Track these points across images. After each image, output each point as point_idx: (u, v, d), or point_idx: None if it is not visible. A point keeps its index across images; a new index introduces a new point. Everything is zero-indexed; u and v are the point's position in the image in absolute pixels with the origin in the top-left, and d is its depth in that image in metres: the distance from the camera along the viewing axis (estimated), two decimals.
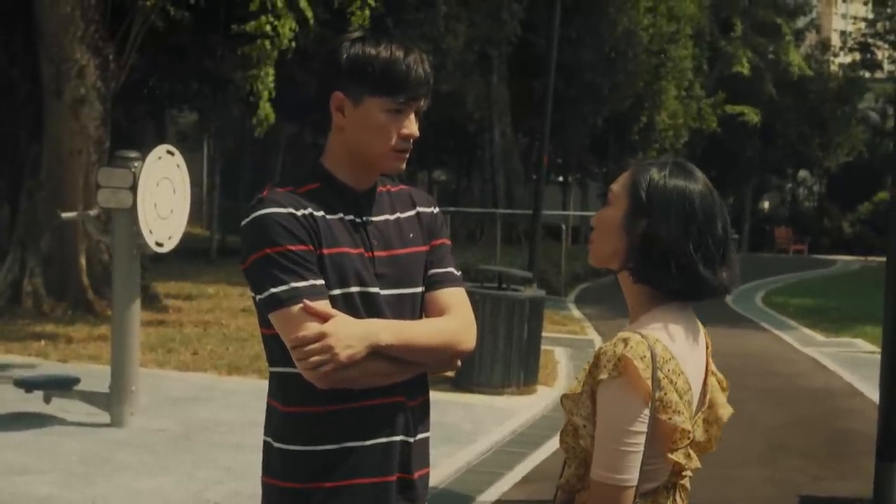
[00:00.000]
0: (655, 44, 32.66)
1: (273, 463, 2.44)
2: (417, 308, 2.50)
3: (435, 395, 2.64)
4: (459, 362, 2.53)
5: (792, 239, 44.50)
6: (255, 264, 2.36)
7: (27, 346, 11.30)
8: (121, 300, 8.12)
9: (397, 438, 2.42)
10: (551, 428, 8.47)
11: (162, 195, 8.11)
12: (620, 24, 30.88)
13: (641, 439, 2.09)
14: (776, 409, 10.22)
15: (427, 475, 2.54)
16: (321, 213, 2.40)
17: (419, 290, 2.51)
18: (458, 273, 2.60)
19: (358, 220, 2.46)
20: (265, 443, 2.48)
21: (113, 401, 7.99)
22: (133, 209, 7.90)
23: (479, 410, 9.19)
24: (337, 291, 2.37)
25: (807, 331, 16.47)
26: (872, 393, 10.03)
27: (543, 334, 10.74)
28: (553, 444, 7.78)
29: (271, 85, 13.75)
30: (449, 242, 2.62)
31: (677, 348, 2.17)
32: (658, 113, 34.57)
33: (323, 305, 2.32)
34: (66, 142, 13.89)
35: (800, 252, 42.99)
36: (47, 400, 8.07)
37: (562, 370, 11.54)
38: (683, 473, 2.21)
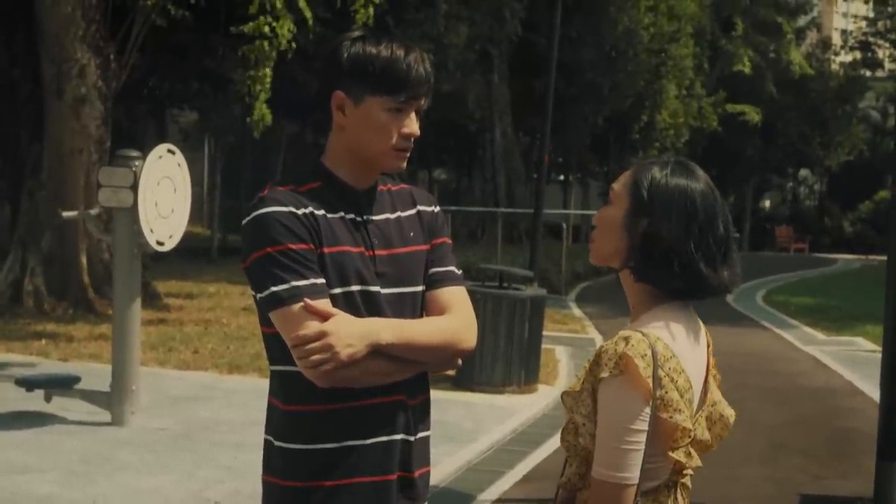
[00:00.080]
0: (656, 43, 32.65)
1: (274, 461, 2.44)
2: (418, 307, 2.50)
3: (436, 394, 2.65)
4: (460, 361, 2.53)
5: (793, 238, 44.51)
6: (256, 263, 2.36)
7: (28, 345, 11.31)
8: (121, 299, 8.12)
9: (398, 437, 2.42)
10: (552, 426, 8.47)
11: (163, 194, 8.11)
12: (621, 23, 30.87)
13: (642, 437, 2.09)
14: (777, 407, 10.22)
15: (428, 474, 2.54)
16: (322, 212, 2.40)
17: (420, 288, 2.51)
18: (459, 272, 2.60)
19: (359, 218, 2.46)
20: (266, 441, 2.48)
21: (114, 400, 7.99)
22: (134, 208, 7.91)
23: (479, 409, 9.19)
24: (338, 290, 2.37)
25: (807, 329, 16.47)
26: (873, 392, 10.03)
27: (544, 333, 10.74)
28: (554, 442, 7.78)
29: (268, 86, 13.76)
30: (450, 241, 2.62)
31: (678, 347, 2.17)
32: (659, 112, 34.57)
33: (323, 304, 2.32)
34: (67, 141, 13.90)
35: (801, 251, 43.01)
36: (48, 399, 8.07)
37: (563, 369, 11.54)
38: (684, 472, 2.22)
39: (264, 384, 2.57)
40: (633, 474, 2.09)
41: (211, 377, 10.17)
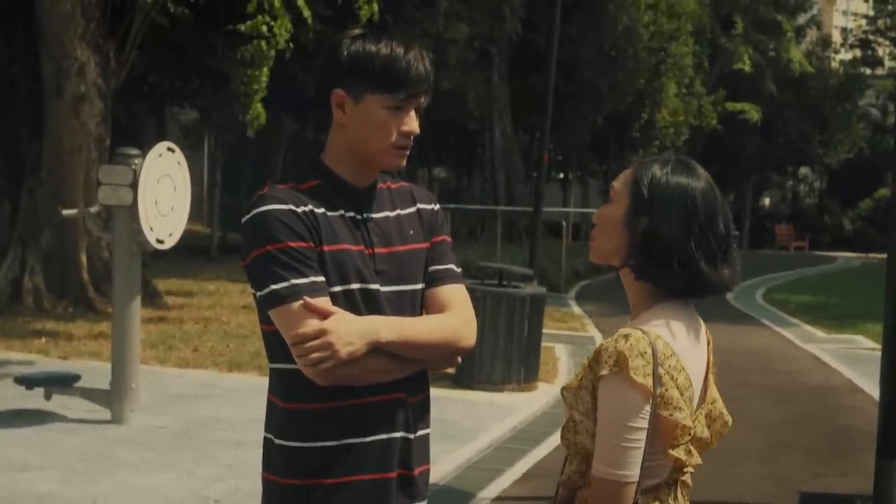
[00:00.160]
0: (656, 41, 32.65)
1: (274, 459, 2.44)
2: (418, 305, 2.50)
3: (435, 392, 2.65)
4: (460, 359, 2.53)
5: (793, 236, 44.52)
6: (256, 261, 2.36)
7: (28, 343, 11.30)
8: (121, 297, 8.12)
9: (398, 435, 2.42)
10: (552, 424, 8.47)
11: (162, 192, 8.11)
12: (621, 22, 30.87)
13: (642, 435, 2.09)
14: (777, 405, 10.23)
15: (427, 472, 2.54)
16: (322, 210, 2.40)
17: (419, 286, 2.51)
18: (459, 270, 2.60)
19: (358, 216, 2.46)
20: (266, 439, 2.48)
21: (113, 398, 7.99)
22: (134, 206, 7.91)
23: (479, 407, 9.19)
24: (337, 288, 2.37)
25: (807, 327, 16.47)
26: (873, 390, 10.03)
27: (544, 331, 10.75)
28: (553, 440, 7.78)
29: (265, 85, 13.76)
30: (449, 239, 2.62)
31: (678, 345, 2.17)
32: (658, 110, 34.57)
33: (323, 302, 2.32)
34: (66, 139, 13.90)
35: (800, 249, 43.01)
36: (48, 397, 8.08)
37: (562, 367, 11.54)
38: (685, 470, 2.22)
39: (264, 382, 2.57)
40: (634, 472, 2.09)
41: (211, 375, 10.17)
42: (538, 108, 19.39)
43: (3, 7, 14.38)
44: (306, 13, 13.90)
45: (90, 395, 8.10)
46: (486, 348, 9.79)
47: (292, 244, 2.33)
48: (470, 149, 37.29)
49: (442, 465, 6.99)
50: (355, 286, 2.39)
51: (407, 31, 19.23)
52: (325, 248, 2.37)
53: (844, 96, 45.31)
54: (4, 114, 14.92)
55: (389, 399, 2.41)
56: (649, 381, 2.08)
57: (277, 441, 2.43)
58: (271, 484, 2.45)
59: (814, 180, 52.50)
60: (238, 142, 28.37)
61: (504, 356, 9.94)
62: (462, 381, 9.83)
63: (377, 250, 2.45)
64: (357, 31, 2.47)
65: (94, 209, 8.80)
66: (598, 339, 13.55)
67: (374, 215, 2.48)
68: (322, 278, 2.35)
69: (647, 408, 2.09)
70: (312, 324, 2.28)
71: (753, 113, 40.47)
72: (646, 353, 2.09)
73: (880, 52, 48.98)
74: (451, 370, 9.00)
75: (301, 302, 2.30)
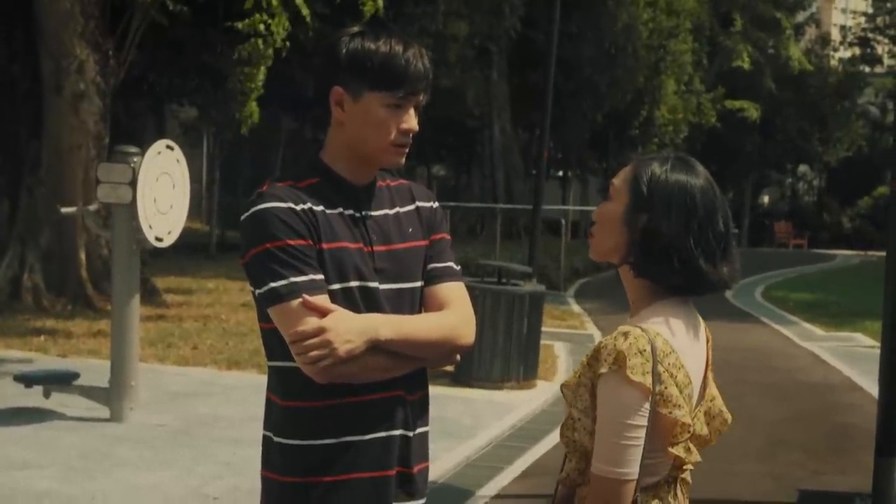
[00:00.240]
0: (655, 38, 32.63)
1: (273, 457, 2.44)
2: (417, 303, 2.50)
3: (434, 390, 2.65)
4: (459, 357, 2.53)
5: (791, 233, 44.52)
6: (255, 259, 2.36)
7: (27, 341, 11.30)
8: (120, 295, 8.12)
9: (396, 433, 2.42)
10: (551, 422, 8.47)
11: (161, 190, 8.11)
12: (620, 19, 30.85)
13: (641, 433, 2.09)
14: (776, 403, 10.23)
15: (426, 469, 2.54)
16: (321, 208, 2.40)
17: (418, 284, 2.51)
18: (458, 268, 2.60)
19: (357, 214, 2.45)
20: (265, 437, 2.48)
21: (112, 396, 7.99)
22: (132, 204, 7.90)
23: (478, 405, 9.20)
24: (336, 286, 2.37)
25: (806, 325, 16.48)
26: (872, 387, 10.03)
27: (543, 329, 10.74)
28: (553, 438, 7.78)
29: (261, 83, 13.75)
30: (448, 237, 2.62)
31: (678, 342, 2.17)
32: (658, 108, 34.56)
33: (322, 300, 2.32)
34: (65, 137, 13.89)
35: (799, 247, 43.01)
36: (47, 395, 8.07)
37: (561, 365, 11.54)
38: (684, 467, 2.22)
39: (263, 380, 2.57)
40: (633, 470, 2.09)
41: (210, 373, 10.17)
42: (537, 106, 19.37)
43: (2, 5, 14.37)
44: (305, 11, 13.89)
45: (89, 393, 8.10)
46: (486, 346, 9.79)
47: (291, 242, 2.33)
48: (469, 146, 37.28)
49: (441, 463, 6.98)
50: (354, 284, 2.39)
51: (406, 29, 19.22)
52: (324, 245, 2.37)
53: (843, 94, 45.32)
54: (4, 112, 14.91)
55: (388, 397, 2.41)
56: (648, 379, 2.08)
57: (276, 439, 2.43)
58: (270, 482, 2.45)
59: (813, 178, 52.50)
60: (237, 140, 28.36)
61: (503, 354, 9.94)
62: (461, 378, 9.83)
63: (376, 248, 2.44)
64: (356, 29, 2.47)
65: (93, 207, 8.80)
66: (598, 336, 13.55)
67: (374, 213, 2.48)
68: (321, 276, 2.35)
69: (647, 405, 2.09)
70: (311, 322, 2.28)
71: (752, 111, 40.46)
72: (645, 350, 2.09)
73: (879, 50, 48.96)
74: (450, 368, 9.01)
75: (300, 300, 2.30)
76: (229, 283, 17.52)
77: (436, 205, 2.61)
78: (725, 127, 39.74)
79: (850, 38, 50.17)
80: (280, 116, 25.59)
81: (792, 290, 22.51)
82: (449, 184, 42.29)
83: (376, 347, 2.33)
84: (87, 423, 7.87)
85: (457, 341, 2.46)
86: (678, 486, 2.23)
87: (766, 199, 53.58)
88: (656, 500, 2.19)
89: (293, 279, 2.31)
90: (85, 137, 13.92)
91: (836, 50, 50.81)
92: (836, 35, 53.82)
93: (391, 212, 2.51)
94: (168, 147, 8.27)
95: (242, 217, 2.39)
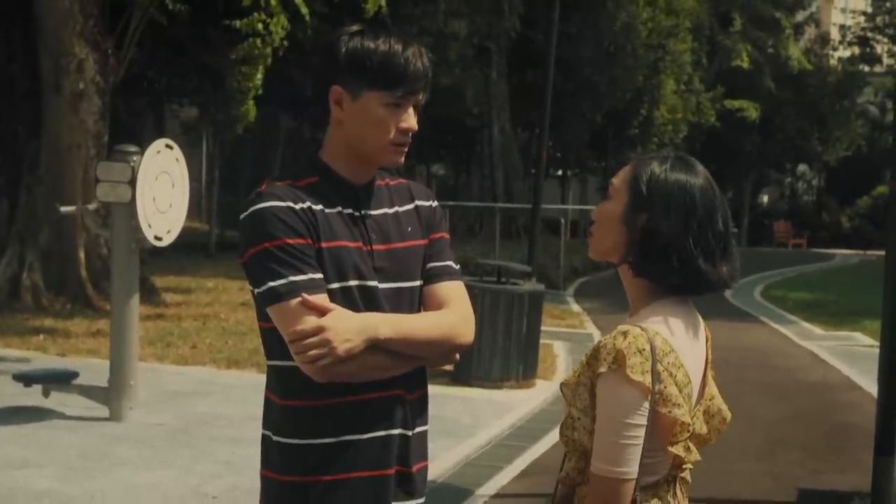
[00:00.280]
0: (654, 38, 32.61)
1: (272, 456, 2.44)
2: (416, 302, 2.50)
3: (434, 389, 2.64)
4: (458, 356, 2.53)
5: (791, 233, 44.51)
6: (254, 258, 2.36)
7: (26, 340, 11.30)
8: (119, 294, 8.12)
9: (395, 432, 2.42)
10: (550, 421, 8.47)
11: (161, 189, 8.10)
12: (619, 19, 30.84)
13: (641, 432, 2.09)
14: (775, 402, 10.23)
15: (425, 468, 2.54)
16: (320, 207, 2.40)
17: (417, 283, 2.51)
18: (457, 267, 2.60)
19: (356, 213, 2.45)
20: (264, 436, 2.48)
21: (112, 395, 7.99)
22: (132, 203, 7.90)
23: (477, 404, 9.19)
24: (335, 285, 2.37)
25: (805, 324, 16.48)
26: (871, 387, 10.04)
27: (542, 328, 10.74)
28: (552, 437, 7.78)
29: (259, 82, 13.74)
30: (447, 236, 2.62)
31: (677, 341, 2.17)
32: (657, 107, 34.54)
33: (321, 299, 2.32)
34: (64, 136, 13.89)
35: (798, 246, 43.01)
36: (46, 394, 8.07)
37: (561, 364, 11.54)
38: (684, 466, 2.22)
39: (262, 379, 2.57)
40: (632, 469, 2.09)
41: (209, 372, 10.17)
42: (537, 105, 19.38)
43: (1, 4, 14.36)
44: (304, 10, 13.88)
45: (88, 392, 8.10)
46: (485, 345, 9.79)
47: (290, 241, 2.33)
48: (468, 146, 37.28)
49: (440, 462, 6.99)
50: (353, 283, 2.39)
51: (406, 29, 19.23)
52: (323, 244, 2.37)
53: (843, 94, 45.30)
54: (3, 111, 14.91)
55: (387, 396, 2.41)
56: (648, 378, 2.08)
57: (275, 438, 2.43)
58: (269, 481, 2.45)
59: (812, 178, 52.48)
60: (236, 139, 28.37)
61: (502, 353, 9.94)
62: (460, 378, 9.83)
63: (375, 247, 2.44)
64: (355, 28, 2.47)
65: (92, 206, 8.79)
66: (597, 336, 13.55)
67: (373, 212, 2.48)
68: (320, 275, 2.35)
69: (646, 405, 2.09)
70: (310, 321, 2.28)
71: (752, 110, 40.45)
72: (644, 350, 2.09)
73: (879, 49, 48.93)
74: (449, 367, 9.01)
75: (299, 299, 2.30)
76: (228, 282, 17.52)
77: (435, 204, 2.61)
78: (725, 126, 39.74)
79: (849, 37, 50.14)
80: (279, 115, 25.59)
81: (791, 289, 22.51)
82: (448, 183, 42.30)
83: (375, 346, 2.33)
84: (86, 422, 7.87)
85: (456, 340, 2.46)
86: (678, 485, 2.23)
87: (765, 198, 53.58)
88: (656, 500, 2.19)
89: (292, 278, 2.31)
90: (84, 136, 13.92)
91: (835, 49, 50.78)
92: (835, 34, 53.79)
93: (390, 211, 2.51)
94: (167, 146, 8.27)
95: (241, 216, 2.39)
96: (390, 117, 2.41)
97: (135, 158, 7.95)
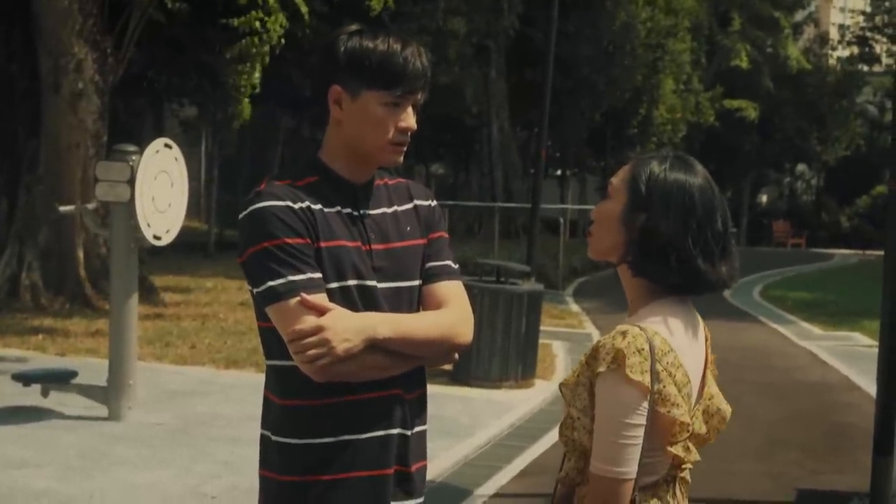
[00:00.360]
0: (653, 37, 32.61)
1: (271, 456, 2.44)
2: (415, 301, 2.50)
3: (433, 389, 2.64)
4: (457, 356, 2.53)
5: (790, 233, 44.51)
6: (253, 257, 2.36)
7: (25, 339, 11.30)
8: (118, 294, 8.11)
9: (394, 431, 2.42)
10: (549, 421, 8.47)
11: (160, 189, 8.10)
12: (618, 18, 30.83)
13: (640, 432, 2.08)
14: (774, 402, 10.23)
15: (424, 468, 2.54)
16: (319, 207, 2.40)
17: (416, 283, 2.51)
18: (456, 266, 2.60)
19: (355, 213, 2.45)
20: (263, 436, 2.48)
21: (111, 394, 7.98)
22: (131, 203, 7.90)
23: (476, 404, 9.19)
24: (334, 285, 2.37)
25: (804, 324, 16.47)
26: (870, 387, 10.04)
27: (541, 328, 10.74)
28: (551, 437, 7.78)
29: (256, 82, 13.73)
30: (446, 236, 2.61)
31: (676, 341, 2.17)
32: (656, 107, 34.54)
33: (320, 299, 2.31)
34: (64, 136, 13.88)
35: (798, 246, 43.01)
36: (45, 393, 8.06)
37: (560, 364, 11.54)
38: (683, 466, 2.21)
39: (261, 379, 2.57)
40: (631, 469, 2.09)
41: (208, 372, 10.17)
42: (536, 104, 19.38)
43: (1, 4, 14.36)
44: (303, 9, 13.88)
45: (87, 391, 8.10)
46: (484, 345, 9.79)
47: (289, 241, 2.33)
48: (467, 145, 37.30)
49: (439, 462, 6.98)
50: (352, 283, 2.39)
51: (405, 27, 19.23)
52: (322, 244, 2.37)
53: (842, 93, 45.29)
54: (2, 111, 14.91)
55: (386, 396, 2.40)
56: (647, 378, 2.08)
57: (274, 438, 2.43)
58: (268, 481, 2.45)
59: (811, 177, 52.48)
60: (236, 139, 28.38)
61: (501, 353, 9.94)
62: (459, 377, 9.82)
63: (374, 247, 2.44)
64: (354, 28, 2.47)
65: (91, 206, 8.80)
66: (596, 335, 13.55)
67: (372, 212, 2.48)
68: (319, 275, 2.34)
69: (645, 404, 2.08)
70: (309, 320, 2.28)
71: (751, 110, 40.46)
72: (643, 349, 2.09)
73: (878, 49, 48.92)
74: (448, 367, 9.00)
75: (298, 298, 2.30)
76: (228, 281, 17.52)
77: (434, 203, 2.61)
78: (724, 126, 39.75)
79: (848, 37, 50.12)
80: (278, 115, 25.60)
81: (790, 289, 22.51)
82: (447, 182, 42.32)
83: (374, 346, 2.33)
84: (85, 421, 7.86)
85: (455, 340, 2.46)
86: (677, 485, 2.23)
87: (764, 198, 53.58)
88: (655, 500, 2.19)
89: (291, 278, 2.31)
90: (83, 136, 13.91)
91: (834, 49, 50.77)
92: (834, 34, 53.78)
93: (389, 210, 2.51)
94: (166, 145, 8.27)
95: (241, 216, 2.39)
96: (389, 117, 2.41)
97: (134, 158, 7.95)
